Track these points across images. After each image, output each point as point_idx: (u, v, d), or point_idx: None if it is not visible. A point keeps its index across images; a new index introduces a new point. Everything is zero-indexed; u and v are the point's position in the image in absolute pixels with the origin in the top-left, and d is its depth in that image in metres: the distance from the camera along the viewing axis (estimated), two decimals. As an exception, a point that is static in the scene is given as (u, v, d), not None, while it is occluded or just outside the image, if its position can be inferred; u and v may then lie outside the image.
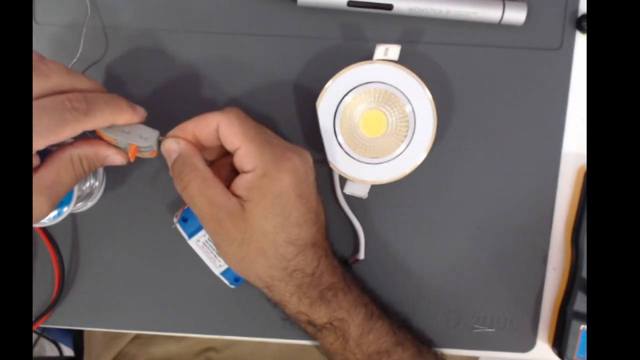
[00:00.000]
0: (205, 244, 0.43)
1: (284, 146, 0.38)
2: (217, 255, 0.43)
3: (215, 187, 0.37)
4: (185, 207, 0.43)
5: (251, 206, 0.37)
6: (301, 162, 0.38)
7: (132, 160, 0.38)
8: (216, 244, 0.39)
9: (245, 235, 0.37)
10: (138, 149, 0.38)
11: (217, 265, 0.43)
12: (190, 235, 0.42)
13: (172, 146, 0.38)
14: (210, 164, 0.40)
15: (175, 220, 0.43)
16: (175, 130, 0.38)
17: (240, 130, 0.37)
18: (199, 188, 0.37)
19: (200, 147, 0.39)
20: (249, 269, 0.39)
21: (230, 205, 0.37)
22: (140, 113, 0.38)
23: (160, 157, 0.39)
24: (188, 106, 0.44)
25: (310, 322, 0.40)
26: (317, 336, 0.41)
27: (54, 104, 0.33)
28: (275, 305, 0.41)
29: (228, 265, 0.40)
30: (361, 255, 0.46)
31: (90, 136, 0.38)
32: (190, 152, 0.38)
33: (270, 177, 0.36)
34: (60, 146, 0.37)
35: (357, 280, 0.42)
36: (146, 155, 0.39)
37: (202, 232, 0.42)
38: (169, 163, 0.38)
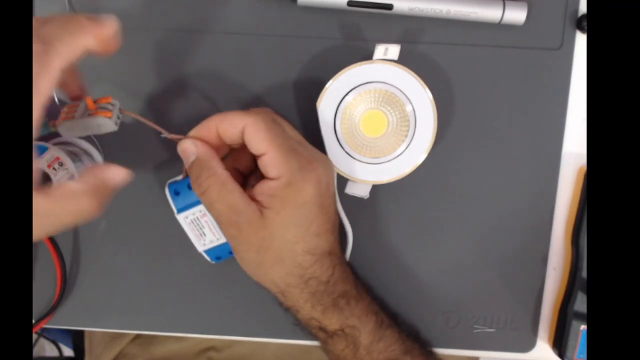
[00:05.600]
0: (193, 222, 0.42)
1: (309, 154, 0.38)
2: (203, 234, 0.42)
3: (234, 192, 0.36)
4: (182, 179, 0.41)
5: (272, 214, 0.36)
6: (325, 172, 0.38)
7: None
8: (234, 249, 0.39)
9: (264, 242, 0.37)
10: (96, 104, 0.36)
11: (201, 244, 0.42)
12: (180, 211, 0.41)
13: (190, 148, 0.37)
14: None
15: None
16: (199, 128, 0.37)
17: (267, 136, 0.36)
18: (218, 193, 0.36)
19: (221, 144, 0.38)
20: (265, 275, 0.39)
21: (249, 211, 0.36)
22: (107, 25, 0.32)
23: (163, 158, 0.39)
24: (187, 106, 0.44)
25: (321, 329, 0.40)
26: (327, 342, 0.41)
27: None
28: (287, 310, 0.41)
29: (244, 269, 0.39)
30: (346, 256, 0.45)
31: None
32: (209, 155, 0.37)
33: (294, 187, 0.36)
34: None
35: (368, 288, 0.42)
36: (100, 114, 0.35)
37: (192, 210, 0.41)
38: (186, 164, 0.38)
